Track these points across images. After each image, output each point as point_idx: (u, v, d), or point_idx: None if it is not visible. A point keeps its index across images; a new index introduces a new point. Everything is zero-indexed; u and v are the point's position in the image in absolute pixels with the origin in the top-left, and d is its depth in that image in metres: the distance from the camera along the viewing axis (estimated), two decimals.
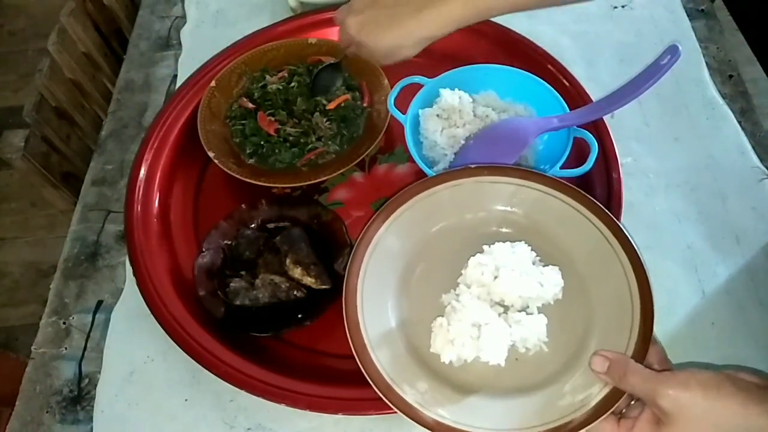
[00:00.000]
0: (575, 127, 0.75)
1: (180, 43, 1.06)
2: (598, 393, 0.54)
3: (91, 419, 0.71)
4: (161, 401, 0.71)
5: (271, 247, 0.77)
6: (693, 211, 0.82)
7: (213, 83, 0.90)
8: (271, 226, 0.80)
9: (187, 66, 0.99)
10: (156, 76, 1.02)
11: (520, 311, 0.61)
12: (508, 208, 0.69)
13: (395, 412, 0.59)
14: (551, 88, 0.80)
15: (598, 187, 0.80)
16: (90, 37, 1.10)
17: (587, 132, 0.75)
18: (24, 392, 0.74)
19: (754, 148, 0.87)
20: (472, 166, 0.68)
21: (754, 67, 1.03)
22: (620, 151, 0.81)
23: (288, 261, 0.74)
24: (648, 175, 0.85)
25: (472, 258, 0.63)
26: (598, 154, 0.73)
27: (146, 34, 1.09)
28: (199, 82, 0.92)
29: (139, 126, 0.96)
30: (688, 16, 1.02)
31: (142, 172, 0.84)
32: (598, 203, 0.65)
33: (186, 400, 0.71)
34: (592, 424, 0.52)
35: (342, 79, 0.89)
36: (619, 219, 0.75)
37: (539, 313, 0.61)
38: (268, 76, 0.91)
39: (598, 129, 0.82)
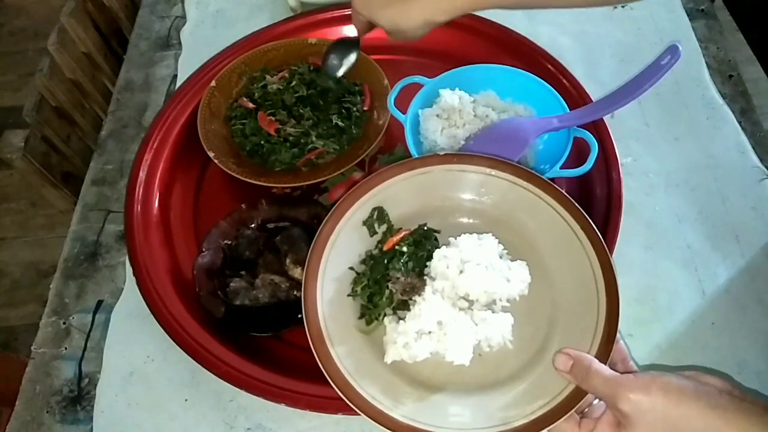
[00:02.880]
0: (575, 127, 0.75)
1: (180, 43, 1.06)
2: (560, 392, 0.53)
3: (91, 419, 0.71)
4: (161, 401, 0.71)
5: (271, 247, 0.77)
6: (693, 211, 0.82)
7: (213, 83, 0.90)
8: (271, 226, 0.80)
9: (187, 66, 0.99)
10: (156, 76, 1.02)
11: (484, 306, 0.60)
12: (476, 198, 0.66)
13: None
14: (551, 88, 0.80)
15: (598, 187, 0.80)
16: (90, 37, 1.10)
17: (587, 132, 0.75)
18: (24, 392, 0.74)
19: (754, 148, 0.87)
20: (441, 153, 0.67)
21: (754, 67, 1.03)
22: (620, 151, 0.81)
23: (288, 261, 0.74)
24: (648, 175, 0.85)
25: (437, 250, 0.62)
26: (598, 154, 0.73)
27: (146, 34, 1.09)
28: (199, 82, 0.92)
29: (139, 126, 0.96)
30: (688, 16, 1.02)
31: (142, 172, 0.84)
32: (567, 195, 0.63)
33: (186, 400, 0.71)
34: (554, 424, 0.51)
35: (357, 56, 0.84)
36: (619, 219, 0.75)
37: (504, 310, 0.60)
38: (268, 76, 0.91)
39: (598, 129, 0.82)
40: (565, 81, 0.88)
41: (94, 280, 0.82)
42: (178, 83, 0.96)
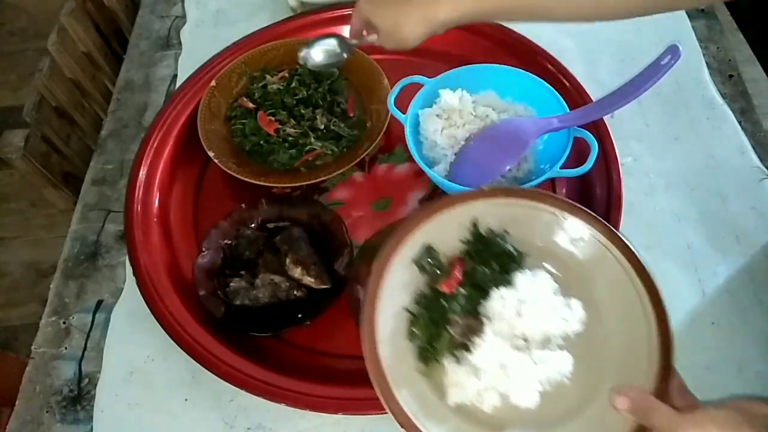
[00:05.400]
0: (575, 127, 0.75)
1: (180, 43, 1.06)
2: (620, 429, 0.53)
3: (91, 419, 0.71)
4: (161, 401, 0.71)
5: (271, 246, 0.77)
6: (693, 211, 0.82)
7: (213, 83, 0.90)
8: (271, 225, 0.80)
9: (187, 66, 0.99)
10: (156, 76, 1.03)
11: (540, 344, 0.59)
12: (524, 231, 0.65)
13: None
14: (551, 88, 0.80)
15: (598, 187, 0.80)
16: (90, 37, 1.10)
17: (587, 132, 0.75)
18: (24, 392, 0.74)
19: (754, 148, 0.87)
20: (486, 187, 0.65)
21: (754, 67, 1.03)
22: (620, 151, 0.81)
23: (288, 261, 0.74)
24: (648, 175, 0.85)
25: (494, 290, 0.60)
26: (598, 154, 0.73)
27: (146, 34, 1.09)
28: (199, 82, 0.92)
29: (139, 126, 0.96)
30: (688, 16, 1.02)
31: (142, 172, 0.84)
32: (608, 225, 0.62)
33: (186, 399, 0.71)
34: None
35: (342, 54, 0.83)
36: (619, 219, 0.76)
37: (560, 348, 0.59)
38: (268, 76, 0.91)
39: (598, 129, 0.82)
40: (565, 81, 0.88)
41: (94, 279, 0.82)
42: (178, 83, 0.96)
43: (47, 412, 0.72)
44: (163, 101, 0.98)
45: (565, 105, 0.79)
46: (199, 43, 1.03)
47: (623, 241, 0.61)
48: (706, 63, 0.96)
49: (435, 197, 0.83)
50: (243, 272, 0.75)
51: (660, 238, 0.80)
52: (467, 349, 0.58)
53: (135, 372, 0.73)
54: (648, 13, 0.66)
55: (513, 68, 0.83)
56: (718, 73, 0.95)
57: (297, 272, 0.73)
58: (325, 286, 0.73)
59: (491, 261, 0.63)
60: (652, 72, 0.69)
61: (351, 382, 0.68)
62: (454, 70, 0.83)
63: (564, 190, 0.83)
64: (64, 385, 0.74)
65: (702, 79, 0.94)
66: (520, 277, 0.60)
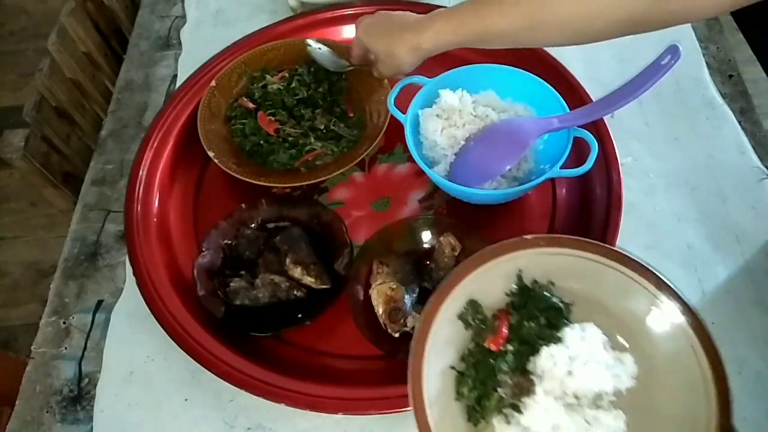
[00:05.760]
0: (575, 127, 0.75)
1: (180, 43, 1.06)
2: None
3: (91, 419, 0.71)
4: (161, 401, 0.71)
5: (271, 246, 0.77)
6: (693, 211, 0.82)
7: (213, 83, 0.90)
8: (271, 225, 0.80)
9: (187, 66, 0.99)
10: (156, 76, 1.03)
11: (592, 402, 0.57)
12: (569, 282, 0.63)
13: (396, 412, 0.59)
14: (551, 88, 0.80)
15: (598, 187, 0.80)
16: (90, 37, 1.10)
17: (587, 132, 0.75)
18: (24, 392, 0.74)
19: (754, 148, 0.87)
20: (528, 237, 0.63)
21: (754, 67, 1.03)
22: (620, 151, 0.81)
23: (288, 261, 0.74)
24: (648, 175, 0.85)
25: (543, 348, 0.59)
26: (598, 154, 0.73)
27: (146, 34, 1.09)
28: (199, 82, 0.92)
29: (139, 126, 0.96)
30: None
31: (142, 172, 0.85)
32: (658, 273, 0.60)
33: (186, 399, 0.71)
34: None
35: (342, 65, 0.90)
36: (619, 219, 0.75)
37: (612, 405, 0.57)
38: (268, 76, 0.91)
39: (598, 129, 0.82)
40: (565, 81, 0.88)
41: (94, 280, 0.82)
42: (178, 83, 0.96)
43: (47, 412, 0.72)
44: (163, 101, 0.98)
45: (565, 105, 0.78)
46: (199, 43, 1.03)
47: (671, 288, 0.59)
48: (706, 63, 0.96)
49: (435, 197, 0.83)
50: (243, 272, 0.75)
51: (660, 238, 0.80)
52: (517, 409, 0.57)
53: (135, 372, 0.73)
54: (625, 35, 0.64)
55: (513, 68, 0.83)
56: (718, 73, 0.95)
57: (297, 272, 0.73)
58: (325, 286, 0.73)
59: (538, 315, 0.61)
60: (652, 72, 0.69)
61: (351, 382, 0.68)
62: (454, 70, 0.83)
63: (564, 190, 0.83)
64: (64, 385, 0.74)
65: (702, 79, 0.94)
66: (569, 333, 0.59)
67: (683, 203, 0.83)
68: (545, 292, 0.62)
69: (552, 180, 0.83)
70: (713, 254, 0.78)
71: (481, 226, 0.78)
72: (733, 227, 0.80)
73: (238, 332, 0.72)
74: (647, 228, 0.80)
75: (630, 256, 0.61)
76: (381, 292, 0.71)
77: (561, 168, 0.73)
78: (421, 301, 0.72)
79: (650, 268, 0.60)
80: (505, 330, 0.61)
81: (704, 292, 0.76)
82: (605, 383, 0.57)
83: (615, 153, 0.81)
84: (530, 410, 0.56)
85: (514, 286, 0.63)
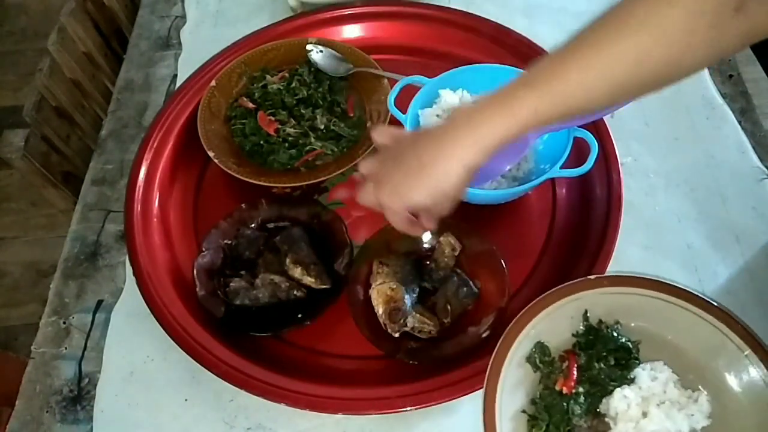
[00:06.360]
0: (575, 126, 0.75)
1: (180, 43, 1.06)
2: None
3: (91, 419, 0.71)
4: (161, 401, 0.71)
5: (271, 246, 0.77)
6: (693, 211, 0.82)
7: (213, 83, 0.90)
8: (271, 225, 0.80)
9: (187, 66, 0.99)
10: (156, 76, 1.02)
11: None
12: (635, 321, 0.64)
13: (396, 412, 0.58)
14: None
15: (598, 187, 0.80)
16: (90, 37, 1.10)
17: (587, 132, 0.75)
18: (24, 392, 0.74)
19: (754, 148, 0.87)
20: (592, 277, 0.64)
21: (754, 67, 1.03)
22: (620, 151, 0.81)
23: (288, 261, 0.74)
24: (648, 175, 0.85)
25: (616, 389, 0.59)
26: (598, 154, 0.73)
27: (146, 33, 1.09)
28: (199, 82, 0.92)
29: (139, 126, 0.96)
30: None
31: (142, 172, 0.84)
32: (727, 311, 0.60)
33: (186, 399, 0.71)
34: None
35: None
36: (619, 219, 0.75)
37: None
38: (268, 76, 0.91)
39: (598, 129, 0.82)
40: None
41: (94, 280, 0.82)
42: (178, 83, 0.96)
43: (47, 412, 0.72)
44: (163, 101, 0.98)
45: None
46: (199, 43, 1.03)
47: (740, 325, 0.59)
48: None
49: None
50: (243, 272, 0.75)
51: (660, 238, 0.80)
52: None
53: (135, 372, 0.73)
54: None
55: (513, 68, 0.82)
56: (718, 73, 0.95)
57: (297, 272, 0.73)
58: (325, 286, 0.73)
59: (607, 355, 0.61)
60: None
61: (351, 382, 0.68)
62: (454, 70, 0.82)
63: (564, 190, 0.83)
64: (64, 385, 0.74)
65: (702, 79, 0.94)
66: (641, 372, 0.59)
67: (683, 203, 0.83)
68: (613, 332, 0.62)
69: (552, 180, 0.83)
70: (713, 254, 0.78)
71: (481, 226, 0.78)
72: (733, 227, 0.80)
73: (238, 332, 0.72)
74: (647, 228, 0.80)
75: (695, 293, 0.61)
76: (381, 292, 0.71)
77: (561, 168, 0.73)
78: (421, 301, 0.72)
79: (716, 304, 0.60)
80: (574, 371, 0.61)
81: (704, 293, 0.75)
82: (681, 424, 0.57)
83: (615, 153, 0.81)
84: None
85: (582, 327, 0.63)
